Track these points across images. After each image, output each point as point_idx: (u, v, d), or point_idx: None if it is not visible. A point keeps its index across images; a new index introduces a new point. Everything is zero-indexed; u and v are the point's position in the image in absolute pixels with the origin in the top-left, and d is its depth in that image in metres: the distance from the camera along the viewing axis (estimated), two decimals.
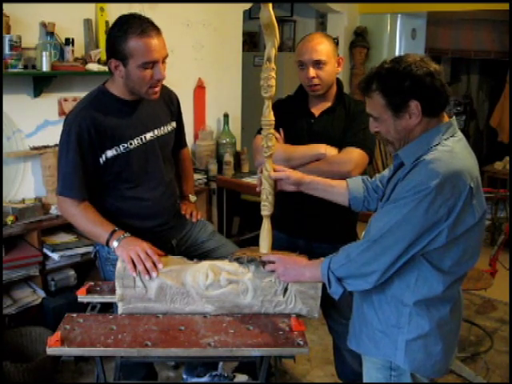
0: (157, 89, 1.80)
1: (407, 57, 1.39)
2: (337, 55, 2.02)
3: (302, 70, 2.01)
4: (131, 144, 1.83)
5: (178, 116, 2.06)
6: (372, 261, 1.39)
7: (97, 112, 1.77)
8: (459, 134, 1.43)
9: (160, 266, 1.67)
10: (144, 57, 1.69)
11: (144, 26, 1.69)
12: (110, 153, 1.79)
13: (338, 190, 1.73)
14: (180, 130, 2.10)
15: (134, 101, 1.84)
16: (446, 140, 1.39)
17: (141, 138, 1.86)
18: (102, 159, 1.79)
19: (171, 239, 2.01)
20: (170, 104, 2.01)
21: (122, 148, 1.81)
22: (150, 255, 1.67)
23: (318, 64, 1.95)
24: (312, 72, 1.97)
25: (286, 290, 1.69)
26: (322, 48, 1.95)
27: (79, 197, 1.79)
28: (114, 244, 1.73)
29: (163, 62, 1.76)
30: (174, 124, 2.01)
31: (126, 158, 1.82)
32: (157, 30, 1.73)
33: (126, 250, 1.69)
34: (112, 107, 1.81)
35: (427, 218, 1.32)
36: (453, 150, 1.36)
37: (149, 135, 1.88)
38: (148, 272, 1.65)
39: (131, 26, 1.68)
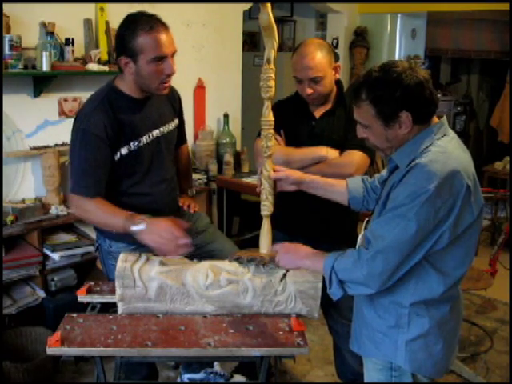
0: (167, 84, 1.82)
1: (396, 65, 1.36)
2: (333, 63, 1.99)
3: (299, 83, 2.00)
4: (140, 142, 1.85)
5: (179, 112, 2.08)
6: (376, 270, 1.36)
7: (110, 110, 1.79)
8: (451, 133, 1.43)
9: (188, 240, 1.68)
10: (154, 52, 1.72)
11: (152, 23, 1.72)
12: (123, 150, 1.81)
13: (338, 190, 1.73)
14: (181, 126, 2.12)
15: (142, 98, 1.86)
16: (438, 140, 1.38)
17: (149, 136, 1.88)
18: (117, 156, 1.81)
19: None
20: (172, 101, 2.02)
21: (132, 146, 1.83)
22: (175, 234, 1.68)
23: (314, 80, 1.94)
24: (309, 89, 1.96)
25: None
26: (316, 63, 1.92)
27: (93, 194, 1.78)
28: (134, 228, 1.70)
29: (172, 56, 1.78)
30: (176, 121, 2.03)
31: (136, 155, 1.84)
32: (165, 26, 1.76)
33: (150, 235, 1.69)
34: (123, 105, 1.82)
35: (429, 222, 1.31)
36: (446, 150, 1.36)
37: (155, 132, 1.90)
38: (176, 251, 1.68)
39: (140, 23, 1.71)
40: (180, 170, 2.21)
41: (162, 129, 1.93)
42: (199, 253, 1.99)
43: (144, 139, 1.86)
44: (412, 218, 1.31)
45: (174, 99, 2.03)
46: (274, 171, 1.74)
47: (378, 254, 1.36)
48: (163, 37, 1.73)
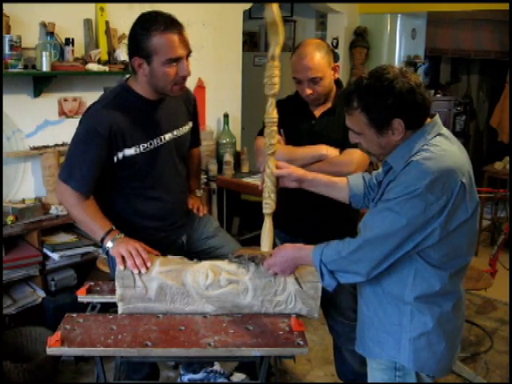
0: (181, 86, 1.78)
1: (387, 72, 1.36)
2: (332, 63, 1.99)
3: (298, 84, 2.00)
4: (151, 144, 1.81)
5: (193, 115, 2.05)
6: (363, 259, 1.39)
7: (119, 110, 1.75)
8: (445, 131, 1.43)
9: (149, 264, 1.69)
10: (168, 53, 1.67)
11: (167, 23, 1.67)
12: (128, 151, 1.77)
13: (339, 187, 1.73)
14: (196, 128, 2.10)
15: (156, 100, 1.82)
16: (432, 139, 1.39)
17: (160, 139, 1.84)
18: (118, 157, 1.77)
19: (181, 236, 2.02)
20: (188, 103, 1.99)
21: (141, 148, 1.79)
22: (140, 253, 1.69)
23: (313, 80, 1.95)
24: (308, 90, 1.96)
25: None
26: (316, 64, 1.92)
27: (84, 191, 1.77)
28: (109, 244, 1.74)
29: (187, 58, 1.74)
30: (190, 124, 2.00)
31: (145, 158, 1.81)
32: (180, 25, 1.70)
33: (117, 248, 1.71)
34: (134, 106, 1.79)
35: (419, 217, 1.32)
36: (441, 148, 1.37)
37: (168, 136, 1.87)
38: (137, 267, 1.66)
39: (154, 23, 1.66)
40: (191, 171, 2.20)
41: (175, 132, 1.89)
42: (211, 256, 1.96)
43: (155, 142, 1.82)
44: (400, 211, 1.32)
45: (189, 101, 1.99)
46: (277, 168, 1.73)
47: (366, 243, 1.38)
48: (178, 38, 1.68)
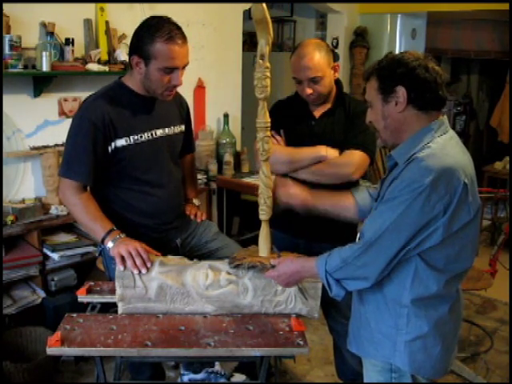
0: (171, 92, 1.85)
1: (411, 51, 1.43)
2: (332, 62, 1.99)
3: (298, 84, 2.00)
4: (141, 137, 1.86)
5: (186, 120, 2.09)
6: (369, 263, 1.38)
7: (111, 102, 1.82)
8: (451, 132, 1.44)
9: (149, 264, 1.70)
10: (166, 62, 1.74)
11: (172, 33, 1.74)
12: (119, 142, 1.82)
13: (347, 207, 1.73)
14: (189, 134, 2.13)
15: (148, 97, 1.87)
16: (437, 138, 1.39)
17: (151, 134, 1.89)
18: (111, 147, 1.81)
19: (175, 239, 2.02)
20: (180, 107, 2.05)
21: (132, 139, 1.84)
22: (140, 253, 1.70)
23: (313, 80, 1.94)
24: (309, 90, 1.96)
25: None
26: (315, 63, 1.92)
27: (83, 180, 1.80)
28: (109, 244, 1.75)
29: (183, 68, 1.80)
30: (182, 127, 2.04)
31: (135, 150, 1.85)
32: (183, 37, 1.77)
33: (117, 248, 1.72)
34: (126, 99, 1.85)
35: (422, 216, 1.31)
36: (445, 147, 1.37)
37: (159, 132, 1.91)
38: (137, 267, 1.67)
39: (160, 30, 1.73)
40: (186, 178, 2.21)
41: (166, 130, 1.94)
42: (212, 259, 1.97)
43: (146, 135, 1.87)
44: (403, 211, 1.32)
45: (181, 106, 2.06)
46: (292, 190, 1.76)
47: (371, 246, 1.37)
48: (178, 49, 1.74)
